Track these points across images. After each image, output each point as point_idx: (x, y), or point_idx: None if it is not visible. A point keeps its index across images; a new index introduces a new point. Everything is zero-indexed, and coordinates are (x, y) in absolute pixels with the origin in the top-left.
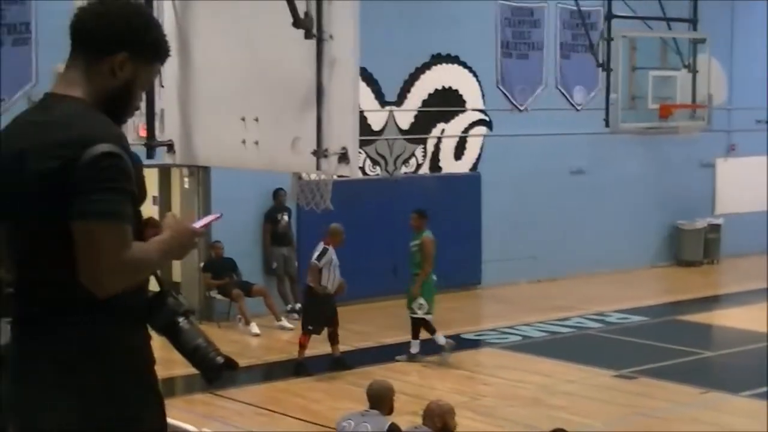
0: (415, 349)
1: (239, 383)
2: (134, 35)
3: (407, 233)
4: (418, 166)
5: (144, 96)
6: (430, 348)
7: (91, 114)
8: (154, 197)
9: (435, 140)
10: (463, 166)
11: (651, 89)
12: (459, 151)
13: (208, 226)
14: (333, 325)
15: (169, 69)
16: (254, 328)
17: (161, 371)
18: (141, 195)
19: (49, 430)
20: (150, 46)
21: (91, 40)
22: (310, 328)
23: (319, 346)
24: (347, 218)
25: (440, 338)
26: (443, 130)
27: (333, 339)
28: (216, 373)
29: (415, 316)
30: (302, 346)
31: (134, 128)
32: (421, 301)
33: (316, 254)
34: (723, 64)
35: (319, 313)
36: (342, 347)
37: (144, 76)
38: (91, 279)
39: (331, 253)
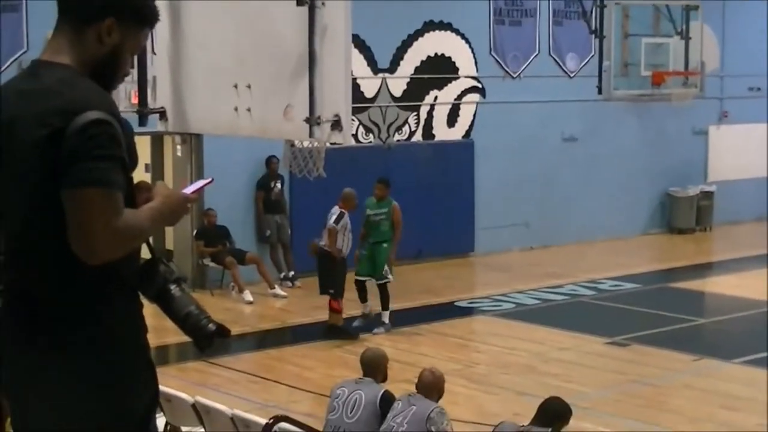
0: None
1: (233, 351)
2: (121, 0)
3: (400, 201)
4: (411, 133)
5: (136, 63)
6: (420, 316)
7: (79, 81)
8: (146, 165)
9: (428, 107)
10: (456, 134)
11: (644, 56)
12: (452, 119)
13: (200, 191)
14: None
15: (161, 36)
16: (247, 295)
17: (153, 339)
18: (132, 162)
19: (43, 411)
20: (137, 11)
21: (78, 6)
22: (331, 291)
23: (312, 313)
24: (340, 186)
25: (367, 307)
26: (436, 98)
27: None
28: (208, 340)
29: (384, 281)
30: (334, 310)
31: (126, 95)
32: (386, 266)
33: (333, 218)
34: (715, 31)
35: (336, 276)
36: None
37: (132, 42)
38: (83, 247)
39: (347, 217)
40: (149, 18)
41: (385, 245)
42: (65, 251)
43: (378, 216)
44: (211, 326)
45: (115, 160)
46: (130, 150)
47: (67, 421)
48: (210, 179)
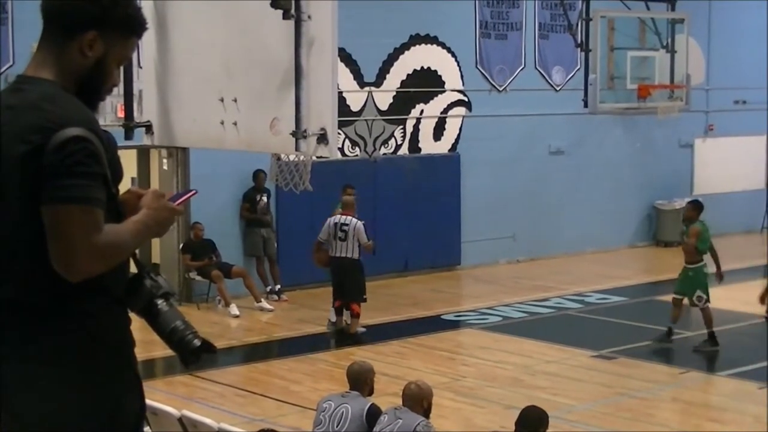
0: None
1: (219, 365)
2: (102, 12)
3: (387, 214)
4: (398, 146)
5: (122, 76)
6: (406, 329)
7: (61, 97)
8: (132, 178)
9: (414, 121)
10: (442, 147)
11: (629, 69)
12: (438, 132)
13: (185, 202)
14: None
15: (148, 50)
16: (234, 309)
17: (140, 353)
18: (116, 176)
19: (32, 423)
20: (120, 21)
21: (58, 19)
22: (365, 297)
23: (298, 326)
24: (326, 200)
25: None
26: (422, 111)
27: (342, 312)
28: (193, 355)
29: None
30: (358, 315)
31: (112, 109)
32: None
33: (363, 231)
34: (701, 44)
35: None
36: (321, 328)
37: (118, 53)
38: (62, 264)
39: None
40: (134, 28)
41: None
42: (51, 264)
43: None
44: (197, 342)
45: (94, 176)
46: (114, 164)
47: (51, 414)
48: (194, 191)
